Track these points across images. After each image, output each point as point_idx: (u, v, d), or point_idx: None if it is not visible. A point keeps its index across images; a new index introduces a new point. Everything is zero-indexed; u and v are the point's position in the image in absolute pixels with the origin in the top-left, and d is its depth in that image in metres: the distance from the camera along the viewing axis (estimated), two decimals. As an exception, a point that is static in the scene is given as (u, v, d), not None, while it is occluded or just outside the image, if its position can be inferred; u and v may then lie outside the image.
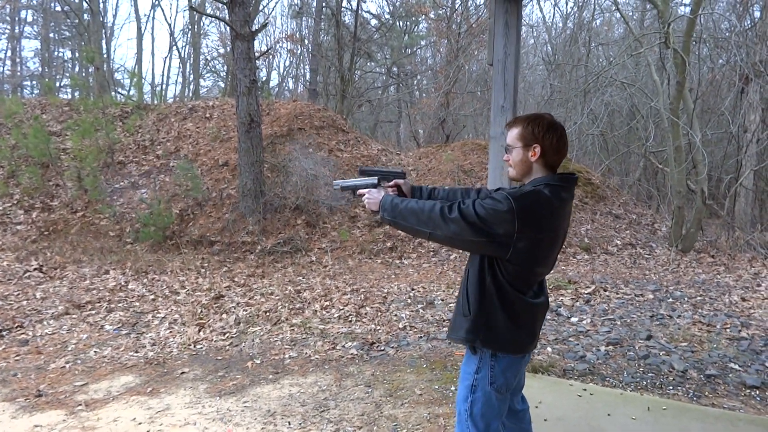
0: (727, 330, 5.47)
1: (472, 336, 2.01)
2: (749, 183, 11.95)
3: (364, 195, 2.28)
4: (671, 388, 4.08)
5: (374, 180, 2.39)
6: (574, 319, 5.86)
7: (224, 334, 5.45)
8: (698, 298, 6.84)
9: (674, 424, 3.33)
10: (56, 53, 27.91)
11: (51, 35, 26.37)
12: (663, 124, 11.39)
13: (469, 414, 2.06)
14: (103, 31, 22.55)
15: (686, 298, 6.77)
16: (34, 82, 26.63)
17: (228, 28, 10.65)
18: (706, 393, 3.98)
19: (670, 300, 6.71)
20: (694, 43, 11.81)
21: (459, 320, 2.08)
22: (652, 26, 15.13)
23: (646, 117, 13.70)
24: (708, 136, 13.32)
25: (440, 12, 19.52)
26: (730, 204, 12.06)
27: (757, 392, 4.00)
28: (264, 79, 23.54)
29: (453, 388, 4.01)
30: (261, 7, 20.12)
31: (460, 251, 9.06)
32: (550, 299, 2.21)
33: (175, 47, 30.23)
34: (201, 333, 5.46)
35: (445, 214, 1.92)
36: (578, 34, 17.69)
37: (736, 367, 4.48)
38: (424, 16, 19.64)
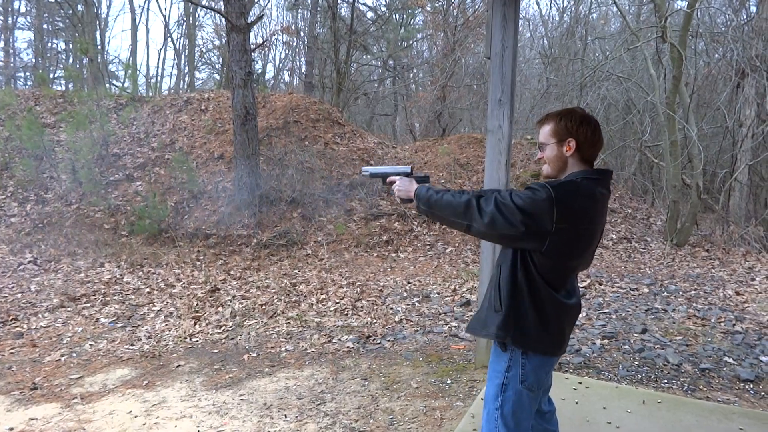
0: (722, 324, 5.50)
1: (503, 333, 1.94)
2: (744, 177, 11.99)
3: (396, 183, 2.22)
4: (666, 381, 4.10)
5: (407, 169, 2.30)
6: (569, 313, 5.87)
7: (220, 327, 5.45)
8: (693, 292, 6.87)
9: (669, 417, 3.35)
10: (50, 44, 27.67)
11: (44, 26, 26.13)
12: (659, 119, 11.41)
13: (500, 413, 2.00)
14: (97, 22, 22.36)
15: (681, 292, 6.81)
16: (28, 74, 26.41)
17: (223, 19, 10.59)
18: (701, 386, 4.00)
19: (665, 294, 6.74)
20: (690, 37, 11.81)
21: (490, 316, 2.00)
22: (649, 20, 15.11)
23: (642, 111, 13.69)
24: (704, 131, 13.33)
25: (437, 5, 19.43)
26: (724, 198, 12.08)
27: (751, 386, 4.02)
28: (260, 71, 23.41)
29: (449, 381, 4.02)
30: (257, -1, 19.99)
31: (456, 245, 9.08)
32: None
33: (169, 39, 30.09)
34: (197, 326, 5.45)
35: (482, 206, 1.87)
36: (575, 27, 17.66)
37: (731, 360, 4.51)
38: (420, 9, 19.56)
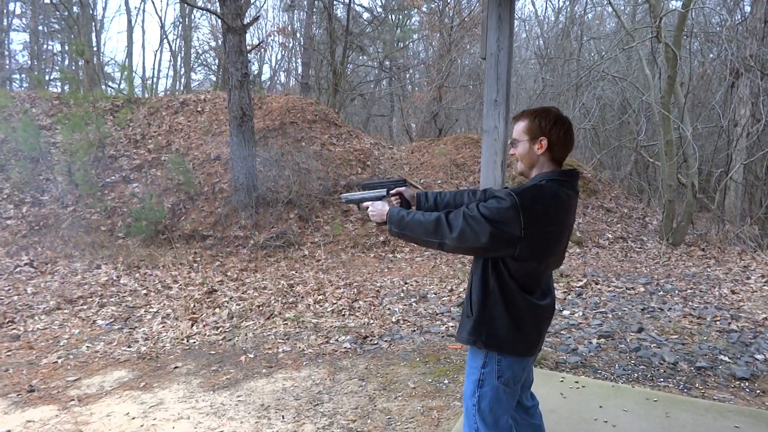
0: (717, 322, 5.52)
1: (474, 337, 2.00)
2: (739, 177, 12.04)
3: (369, 207, 2.26)
4: (662, 380, 4.11)
5: (382, 192, 2.36)
6: (566, 312, 5.89)
7: (217, 328, 5.44)
8: (689, 291, 6.90)
9: (665, 415, 3.37)
10: (45, 46, 27.60)
11: (40, 28, 26.06)
12: (654, 118, 11.45)
13: (477, 409, 2.04)
14: (93, 23, 22.31)
15: (677, 291, 6.83)
16: (23, 76, 26.33)
17: (219, 21, 10.58)
18: (697, 385, 4.02)
19: (661, 293, 6.77)
20: (685, 37, 11.87)
21: (463, 321, 2.08)
22: (644, 20, 15.18)
23: (637, 111, 13.76)
24: (699, 130, 13.41)
25: (432, 5, 19.48)
26: (720, 198, 12.14)
27: (747, 384, 4.04)
28: (256, 72, 23.44)
29: (446, 381, 4.03)
30: (253, 0, 20.01)
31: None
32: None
33: (165, 40, 30.00)
34: (194, 327, 5.45)
35: (451, 222, 1.91)
36: (570, 28, 17.73)
37: (726, 359, 4.53)
38: (416, 10, 19.59)
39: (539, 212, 1.87)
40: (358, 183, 10.46)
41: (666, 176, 10.49)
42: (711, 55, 14.57)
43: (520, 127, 2.08)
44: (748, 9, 13.08)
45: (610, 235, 10.34)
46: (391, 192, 2.41)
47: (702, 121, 14.01)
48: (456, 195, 2.42)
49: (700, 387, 3.99)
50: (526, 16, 22.06)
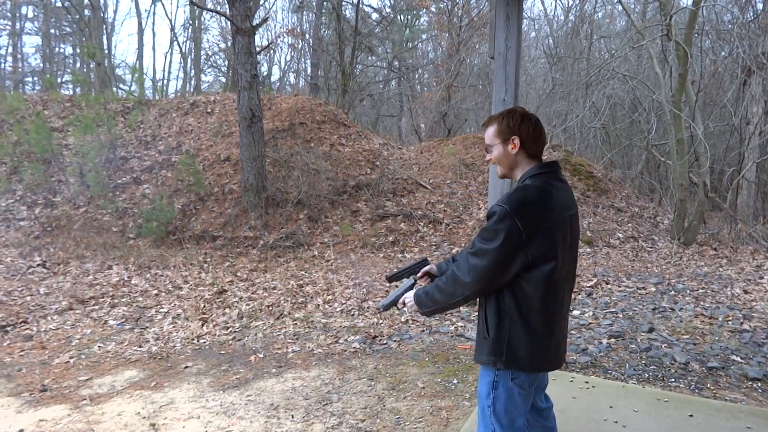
0: (729, 322, 5.48)
1: (494, 358, 1.98)
2: (752, 175, 11.93)
3: (405, 302, 2.23)
4: (673, 380, 4.09)
5: (411, 282, 2.34)
6: (576, 312, 5.87)
7: (227, 328, 5.47)
8: (700, 290, 6.84)
9: (676, 415, 3.34)
10: (57, 49, 27.89)
11: (52, 31, 26.34)
12: (665, 117, 11.37)
13: (493, 410, 2.04)
14: (104, 26, 22.51)
15: (688, 291, 6.78)
16: (36, 78, 26.63)
17: (229, 22, 10.64)
18: (708, 385, 3.99)
19: (672, 293, 6.72)
20: (696, 35, 11.77)
21: (480, 342, 2.05)
22: (654, 18, 15.07)
23: (648, 110, 13.66)
24: (710, 129, 13.28)
25: (441, 5, 19.46)
26: (732, 196, 12.03)
27: (759, 384, 4.00)
28: (265, 73, 23.54)
29: (455, 381, 4.03)
30: (262, 2, 20.10)
31: (463, 244, 9.08)
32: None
33: (175, 42, 30.23)
34: (204, 327, 5.48)
35: (461, 270, 1.93)
36: (580, 26, 17.62)
37: (738, 359, 4.49)
38: (425, 10, 19.58)
39: (532, 212, 1.87)
40: (367, 183, 10.46)
41: (677, 175, 10.41)
42: (723, 53, 14.44)
43: (490, 132, 2.11)
44: (760, 6, 12.95)
45: (620, 235, 10.27)
46: (418, 277, 2.39)
47: (714, 119, 13.88)
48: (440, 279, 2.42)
49: (712, 387, 3.96)
50: (535, 15, 21.99)
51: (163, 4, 37.77)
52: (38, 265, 7.66)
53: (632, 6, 17.17)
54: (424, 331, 5.34)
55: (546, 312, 1.94)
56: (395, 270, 2.54)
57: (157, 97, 16.50)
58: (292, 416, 3.51)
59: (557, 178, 2.02)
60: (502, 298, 1.95)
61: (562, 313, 2.03)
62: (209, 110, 12.54)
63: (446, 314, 5.82)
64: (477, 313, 2.13)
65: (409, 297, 2.20)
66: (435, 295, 2.05)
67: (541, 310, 1.93)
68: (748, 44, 11.53)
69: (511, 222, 1.83)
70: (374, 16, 20.00)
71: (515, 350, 1.95)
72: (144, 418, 3.52)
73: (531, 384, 2.04)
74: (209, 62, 26.46)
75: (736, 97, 12.84)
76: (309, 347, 4.90)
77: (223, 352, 4.85)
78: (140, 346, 5.02)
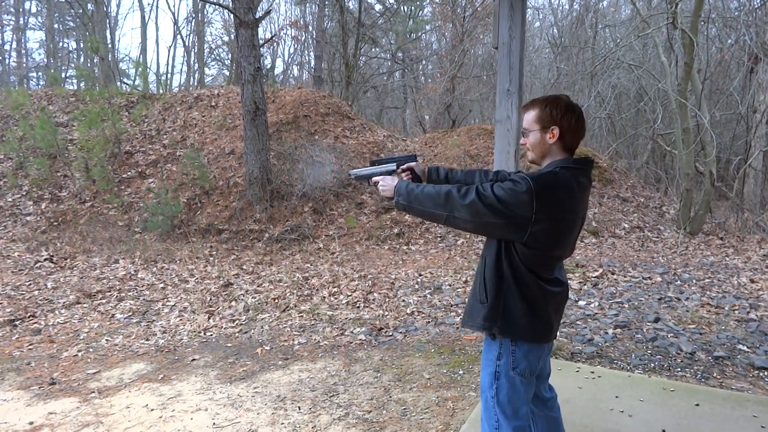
0: (736, 312, 5.46)
1: (490, 323, 1.97)
2: (758, 164, 11.86)
3: (378, 182, 2.21)
4: (679, 369, 4.08)
5: (391, 167, 2.32)
6: (581, 303, 5.86)
7: (234, 321, 5.50)
8: (706, 280, 6.82)
9: (682, 405, 3.34)
10: (61, 44, 27.91)
11: (55, 26, 26.34)
12: (671, 106, 11.29)
13: (496, 401, 2.03)
14: (107, 21, 22.50)
15: (694, 281, 6.76)
16: (40, 74, 26.67)
17: (232, 15, 10.61)
18: (715, 374, 3.99)
19: (678, 282, 6.70)
20: (702, 23, 11.67)
21: (476, 307, 2.03)
22: (660, 6, 14.92)
23: (653, 99, 13.58)
24: (716, 117, 13.20)
25: (445, -4, 19.35)
26: (739, 185, 11.97)
27: (766, 373, 3.99)
28: (269, 66, 23.48)
29: (461, 372, 4.04)
30: (264, -6, 19.98)
31: (468, 236, 9.07)
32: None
33: (179, 36, 30.23)
34: (211, 320, 5.51)
35: (462, 196, 1.88)
36: (584, 15, 17.51)
37: (745, 348, 4.48)
38: (428, 0, 19.48)
39: (552, 199, 1.84)
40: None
41: (683, 164, 10.36)
42: (729, 41, 14.32)
43: (530, 117, 2.04)
44: (767, -7, 12.82)
45: (626, 225, 10.24)
46: (401, 167, 2.37)
47: (720, 107, 13.79)
48: (468, 173, 2.39)
49: (718, 377, 3.95)
50: (539, 4, 21.78)
51: (165, -2, 37.71)
52: (45, 259, 7.71)
53: (637, -6, 17.02)
54: (429, 322, 5.35)
55: (541, 286, 1.95)
56: (383, 158, 2.52)
57: (161, 91, 16.51)
58: (299, 408, 3.53)
59: (586, 176, 1.99)
60: (502, 265, 1.94)
61: (558, 290, 2.03)
62: (213, 104, 12.54)
63: (451, 306, 5.83)
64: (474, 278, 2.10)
65: (385, 181, 2.17)
66: (421, 196, 2.00)
67: (537, 283, 1.94)
68: (754, 31, 11.43)
69: (528, 198, 1.80)
70: (377, 7, 19.93)
71: (511, 317, 1.95)
72: (152, 410, 3.55)
73: (532, 372, 2.04)
74: (213, 55, 26.45)
75: (743, 86, 12.75)
76: (315, 339, 4.92)
77: (229, 344, 4.87)
78: (147, 339, 5.05)
